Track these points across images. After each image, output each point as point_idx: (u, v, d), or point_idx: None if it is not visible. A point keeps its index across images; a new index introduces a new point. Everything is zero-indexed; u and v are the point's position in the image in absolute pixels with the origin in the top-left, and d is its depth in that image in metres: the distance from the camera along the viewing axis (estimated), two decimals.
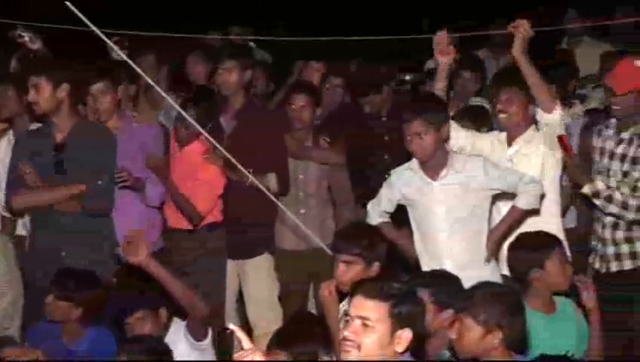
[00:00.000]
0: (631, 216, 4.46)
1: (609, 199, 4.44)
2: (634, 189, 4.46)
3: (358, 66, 6.84)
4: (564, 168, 4.52)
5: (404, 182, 4.29)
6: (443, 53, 4.50)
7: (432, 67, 6.41)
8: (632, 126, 4.52)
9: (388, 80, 6.10)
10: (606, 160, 4.57)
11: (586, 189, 4.46)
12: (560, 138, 4.36)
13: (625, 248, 4.56)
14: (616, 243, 4.57)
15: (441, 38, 4.48)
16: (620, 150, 4.53)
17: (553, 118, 4.34)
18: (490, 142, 4.58)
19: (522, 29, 4.29)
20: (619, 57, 5.73)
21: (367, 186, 5.32)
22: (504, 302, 3.29)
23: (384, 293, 2.94)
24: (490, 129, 4.94)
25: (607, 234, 4.58)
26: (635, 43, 7.30)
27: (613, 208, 4.46)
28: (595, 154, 4.60)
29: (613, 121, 4.61)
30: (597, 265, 4.60)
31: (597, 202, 4.49)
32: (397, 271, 4.29)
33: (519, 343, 3.37)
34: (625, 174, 4.49)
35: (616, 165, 4.53)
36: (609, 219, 4.56)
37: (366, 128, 5.81)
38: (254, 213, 5.03)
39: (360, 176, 5.57)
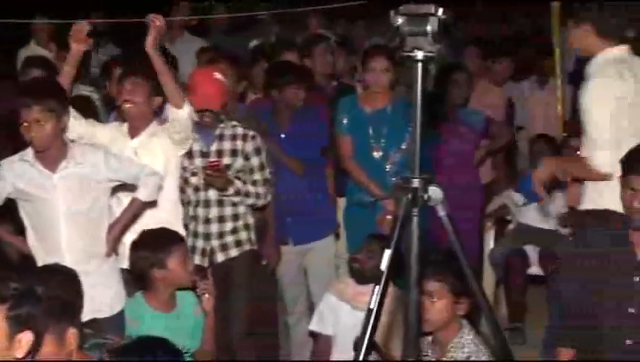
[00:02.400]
0: (261, 202, 4.76)
1: (246, 194, 4.67)
2: (237, 180, 4.66)
3: None
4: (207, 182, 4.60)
5: (17, 175, 3.98)
6: (79, 42, 4.38)
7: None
8: (218, 123, 4.70)
9: None
10: (199, 160, 4.66)
11: (231, 191, 4.61)
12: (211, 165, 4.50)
13: (230, 238, 4.73)
14: (221, 236, 4.72)
15: (81, 27, 4.38)
16: (214, 147, 4.68)
17: (182, 114, 4.34)
18: (111, 132, 4.46)
19: (157, 23, 4.27)
20: (213, 54, 5.96)
21: None
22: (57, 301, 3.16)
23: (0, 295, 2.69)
24: (97, 119, 4.83)
25: (214, 228, 4.70)
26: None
27: (250, 200, 4.72)
28: (184, 159, 4.63)
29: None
30: (197, 261, 4.65)
31: (236, 199, 4.67)
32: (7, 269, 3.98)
33: None
34: (228, 167, 4.65)
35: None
36: (213, 215, 4.70)
37: None
38: None
39: None
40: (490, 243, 6.12)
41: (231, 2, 7.95)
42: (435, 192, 2.43)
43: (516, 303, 5.94)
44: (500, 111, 6.87)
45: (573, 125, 6.60)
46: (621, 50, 4.20)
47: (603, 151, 4.06)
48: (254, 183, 4.71)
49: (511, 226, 6.23)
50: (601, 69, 4.15)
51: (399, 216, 2.39)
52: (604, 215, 4.09)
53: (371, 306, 2.34)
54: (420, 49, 2.38)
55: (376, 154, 5.21)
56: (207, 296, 4.02)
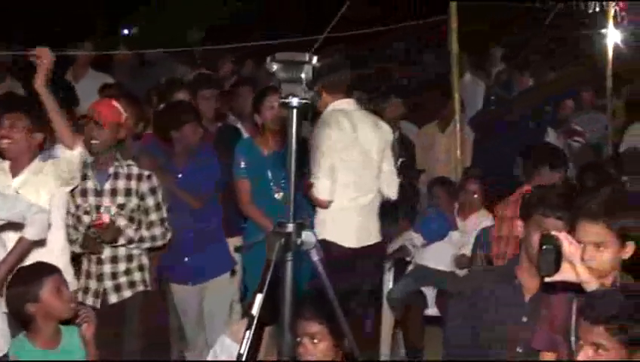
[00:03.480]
0: (159, 243, 4.70)
1: (140, 240, 4.61)
2: (131, 220, 4.60)
3: None
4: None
5: None
6: None
7: None
8: (111, 161, 4.61)
9: None
10: (92, 198, 4.59)
11: (122, 241, 4.55)
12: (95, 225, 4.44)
13: (123, 279, 4.64)
14: (115, 277, 4.63)
15: None
16: (108, 186, 4.59)
17: (73, 154, 4.26)
18: None
19: (44, 60, 4.13)
20: (114, 91, 5.95)
21: None
22: None
23: None
24: None
25: (107, 269, 4.62)
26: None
27: (146, 245, 4.66)
28: (77, 197, 4.58)
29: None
30: (90, 302, 4.58)
31: (132, 246, 4.61)
32: None
33: None
34: (121, 207, 4.59)
35: (107, 200, 4.59)
36: (106, 255, 4.61)
37: None
38: None
39: None
40: (389, 284, 6.16)
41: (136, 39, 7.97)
42: (308, 237, 2.45)
43: (414, 344, 5.99)
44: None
45: (474, 170, 6.80)
46: (346, 103, 5.06)
47: (322, 181, 4.89)
48: (150, 225, 4.64)
49: (410, 267, 6.30)
50: (326, 119, 4.94)
51: (272, 260, 2.41)
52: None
53: (241, 351, 2.34)
54: (295, 96, 2.42)
55: (277, 196, 5.23)
56: (85, 325, 3.90)
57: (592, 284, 3.01)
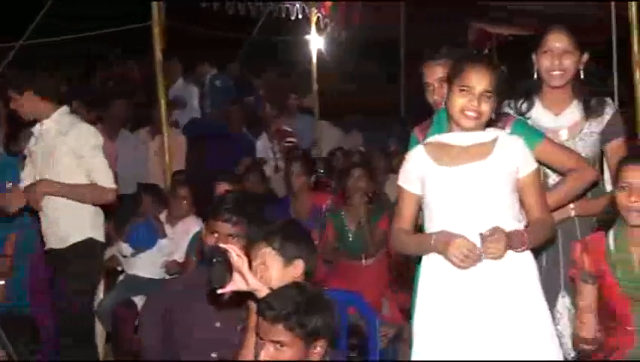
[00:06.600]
0: None
1: None
2: None
3: None
4: None
5: None
6: None
7: None
8: None
9: None
10: None
11: None
12: None
13: None
14: None
15: None
16: None
17: None
18: None
19: None
20: None
21: None
22: None
23: None
24: None
25: None
26: None
27: None
28: None
29: None
30: None
31: None
32: None
33: None
34: None
35: None
36: None
37: None
38: None
39: None
40: (100, 295, 6.04)
41: None
42: None
43: (125, 353, 5.90)
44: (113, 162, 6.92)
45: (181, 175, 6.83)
46: (63, 110, 4.77)
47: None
48: None
49: (121, 277, 6.22)
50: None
51: None
52: None
53: None
54: None
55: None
56: None
57: (262, 292, 3.14)
